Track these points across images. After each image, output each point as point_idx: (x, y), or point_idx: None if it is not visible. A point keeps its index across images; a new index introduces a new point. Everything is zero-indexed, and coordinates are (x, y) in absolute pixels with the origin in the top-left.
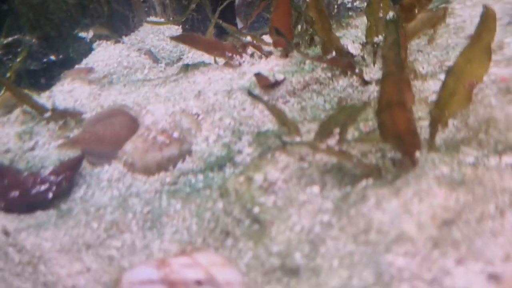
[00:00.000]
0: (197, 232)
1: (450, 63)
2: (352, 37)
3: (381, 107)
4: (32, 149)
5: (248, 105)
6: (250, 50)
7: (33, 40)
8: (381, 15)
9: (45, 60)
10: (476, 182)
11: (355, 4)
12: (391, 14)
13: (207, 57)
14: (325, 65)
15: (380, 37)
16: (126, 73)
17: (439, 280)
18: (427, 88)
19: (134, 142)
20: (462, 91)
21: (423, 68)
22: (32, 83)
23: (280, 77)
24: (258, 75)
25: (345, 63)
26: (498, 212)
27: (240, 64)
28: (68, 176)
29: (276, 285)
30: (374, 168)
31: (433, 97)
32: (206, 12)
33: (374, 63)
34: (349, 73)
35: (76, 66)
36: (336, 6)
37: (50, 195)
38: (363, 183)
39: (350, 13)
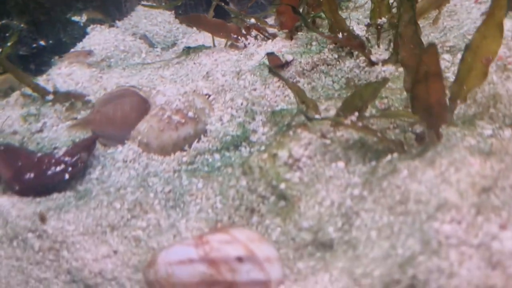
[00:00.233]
0: (222, 210)
1: (450, 43)
2: (354, 19)
3: (418, 78)
4: (40, 130)
5: (259, 85)
6: (253, 32)
7: (21, 25)
8: None
9: (34, 45)
10: (503, 152)
11: None
12: None
13: (202, 42)
14: (331, 46)
15: (383, 19)
16: (123, 57)
17: (487, 245)
18: None
19: (148, 121)
20: (479, 67)
21: None
22: (21, 69)
23: (289, 57)
24: (270, 55)
25: (357, 42)
26: None
27: (245, 46)
28: (83, 157)
29: (309, 260)
30: (397, 143)
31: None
32: None
33: (378, 45)
34: (355, 54)
35: (72, 49)
36: None
37: (66, 176)
38: (388, 157)
39: None
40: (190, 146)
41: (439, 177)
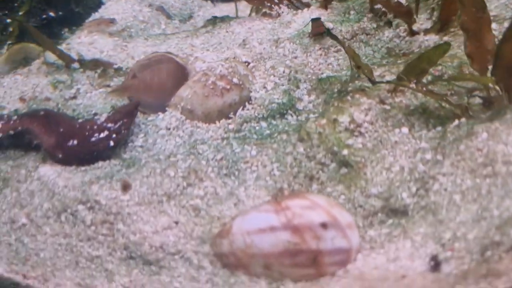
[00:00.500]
0: (280, 178)
1: (493, 13)
2: None
3: (506, 37)
4: (74, 97)
5: (300, 53)
6: (285, 1)
7: None
8: None
9: (44, 16)
10: None
11: None
12: None
13: (218, 14)
14: (370, 15)
15: None
16: (143, 27)
17: None
18: None
19: (191, 87)
20: None
21: None
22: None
23: (329, 25)
24: (315, 21)
25: (404, 9)
26: None
27: (279, 15)
28: (126, 123)
29: (380, 228)
30: (463, 107)
31: None
32: None
33: (417, 14)
34: (394, 24)
35: (89, 19)
36: None
37: (111, 143)
38: (455, 122)
39: None
40: (235, 114)
41: None
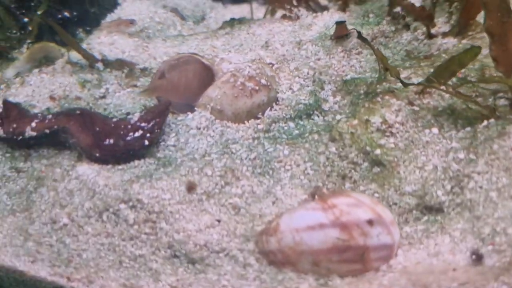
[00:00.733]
0: (314, 176)
1: None
2: None
3: None
4: (103, 96)
5: (323, 55)
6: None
7: None
8: None
9: (60, 16)
10: None
11: None
12: None
13: (229, 16)
14: (388, 18)
15: None
16: (160, 28)
17: None
18: None
19: (220, 88)
20: None
21: None
22: (51, 40)
23: (350, 29)
24: (340, 24)
25: (426, 14)
26: None
27: (298, 17)
28: (158, 123)
29: (416, 224)
30: (491, 109)
31: None
32: None
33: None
34: (412, 27)
35: (105, 19)
36: None
37: (146, 142)
38: (484, 123)
39: None
40: (263, 114)
41: None
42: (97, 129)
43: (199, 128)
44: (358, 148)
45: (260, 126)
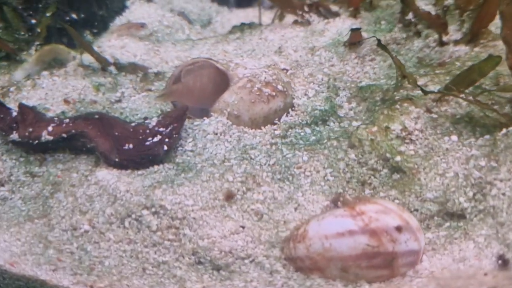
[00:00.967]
0: (335, 183)
1: None
2: None
3: None
4: (119, 100)
5: (336, 62)
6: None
7: None
8: None
9: (67, 18)
10: None
11: None
12: None
13: (235, 21)
14: (400, 25)
15: (450, 0)
16: (169, 32)
17: None
18: None
19: (237, 93)
20: None
21: None
22: (60, 42)
23: (363, 35)
24: (355, 31)
25: (440, 22)
26: None
27: (309, 23)
28: (176, 128)
29: (438, 230)
30: (510, 117)
31: None
32: None
33: None
34: (423, 34)
35: (111, 23)
36: None
37: (165, 147)
38: (503, 131)
39: None
40: (279, 120)
41: None
42: (116, 133)
43: (216, 134)
44: (378, 154)
45: (277, 132)
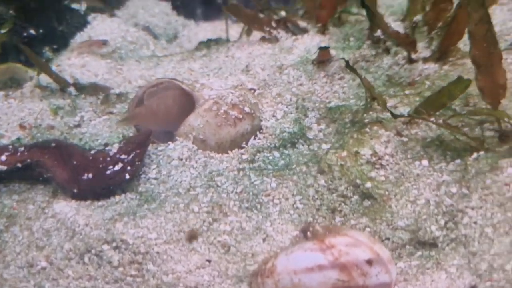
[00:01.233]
0: (304, 211)
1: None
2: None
3: None
4: (78, 125)
5: (305, 81)
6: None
7: (10, 12)
8: None
9: (25, 34)
10: None
11: None
12: None
13: (202, 35)
14: (369, 42)
15: (418, 16)
16: (133, 48)
17: None
18: None
19: (203, 116)
20: None
21: None
22: (17, 60)
23: (332, 53)
24: (323, 49)
25: (410, 40)
26: None
27: (277, 39)
28: (139, 154)
29: (410, 260)
30: (480, 140)
31: None
32: None
33: None
34: (392, 51)
35: (72, 39)
36: None
37: (127, 175)
38: (474, 155)
39: None
40: (247, 143)
41: None
42: (75, 162)
43: (181, 159)
44: (348, 180)
45: (244, 156)
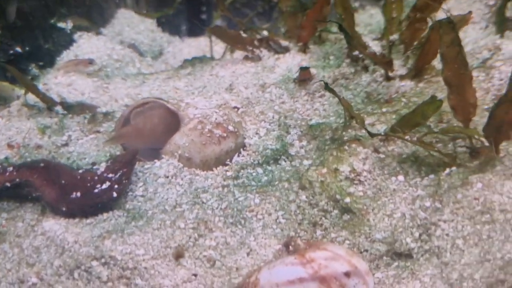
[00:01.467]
0: (286, 225)
1: None
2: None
3: (505, 100)
4: (66, 144)
5: (287, 99)
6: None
7: None
8: (394, 15)
9: (11, 52)
10: None
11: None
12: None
13: (187, 51)
14: (348, 60)
15: (395, 36)
16: (119, 66)
17: None
18: None
19: (188, 135)
20: None
21: None
22: (3, 79)
23: (313, 72)
24: (303, 69)
25: (386, 60)
26: None
27: (260, 58)
28: (126, 173)
29: (387, 270)
30: (452, 157)
31: None
32: (178, 7)
33: None
34: (370, 69)
35: (59, 58)
36: None
37: (115, 194)
38: (446, 171)
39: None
40: (231, 160)
41: None
42: (63, 182)
43: (167, 177)
44: (328, 196)
45: (228, 173)
